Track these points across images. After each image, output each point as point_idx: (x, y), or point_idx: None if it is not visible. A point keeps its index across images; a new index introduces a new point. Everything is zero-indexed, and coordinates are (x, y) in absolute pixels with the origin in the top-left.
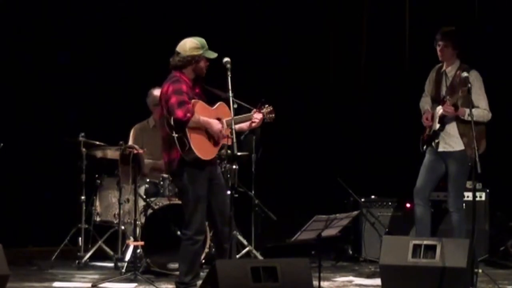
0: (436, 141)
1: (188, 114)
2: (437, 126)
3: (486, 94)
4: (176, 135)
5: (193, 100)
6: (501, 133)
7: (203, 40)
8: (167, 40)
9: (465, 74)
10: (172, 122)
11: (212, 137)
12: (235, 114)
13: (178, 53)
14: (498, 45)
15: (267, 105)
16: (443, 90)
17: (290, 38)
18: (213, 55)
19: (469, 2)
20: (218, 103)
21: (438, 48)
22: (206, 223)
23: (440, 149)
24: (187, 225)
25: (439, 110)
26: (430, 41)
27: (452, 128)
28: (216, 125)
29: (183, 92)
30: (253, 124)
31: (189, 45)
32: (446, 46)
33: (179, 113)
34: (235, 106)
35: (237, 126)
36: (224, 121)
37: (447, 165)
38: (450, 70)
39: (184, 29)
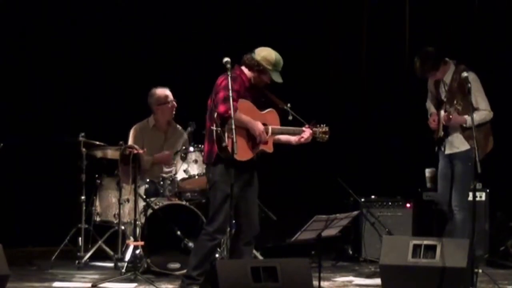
0: (443, 144)
1: (230, 111)
2: (442, 133)
3: (485, 94)
4: (216, 128)
5: (241, 99)
6: (501, 133)
7: (280, 61)
8: (167, 40)
9: (464, 74)
10: (215, 116)
11: (251, 139)
12: (288, 126)
13: (253, 53)
14: (498, 45)
15: (323, 125)
16: (443, 95)
17: (290, 38)
18: (278, 79)
19: (469, 2)
20: (269, 109)
21: (429, 78)
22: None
23: (447, 151)
24: (209, 221)
25: (442, 116)
26: (430, 41)
27: (456, 133)
28: (258, 126)
29: (233, 90)
30: (302, 140)
31: (265, 53)
32: (431, 74)
33: (222, 107)
34: (290, 118)
35: (285, 138)
36: (270, 127)
37: (453, 166)
38: (446, 77)
39: (184, 29)
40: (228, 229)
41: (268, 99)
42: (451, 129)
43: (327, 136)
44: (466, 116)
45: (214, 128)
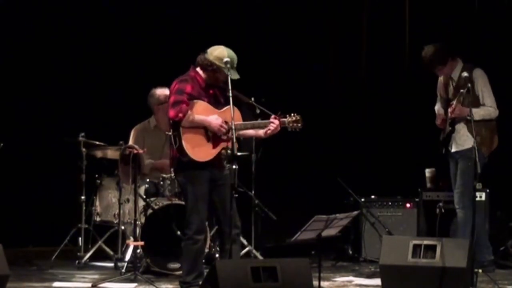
0: (450, 142)
1: (180, 114)
2: (449, 128)
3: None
4: (172, 133)
5: (194, 100)
6: (501, 133)
7: (234, 58)
8: (167, 40)
9: (464, 74)
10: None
11: (211, 138)
12: (255, 120)
13: (205, 53)
14: (499, 44)
15: (293, 114)
16: (450, 94)
17: (290, 38)
18: (234, 76)
19: (469, 2)
20: (226, 106)
21: (437, 72)
22: (206, 223)
23: (453, 149)
24: (187, 224)
25: (449, 110)
26: (430, 41)
27: (462, 128)
28: (214, 120)
29: (183, 93)
30: (269, 131)
31: (217, 53)
32: (438, 69)
33: (171, 112)
34: (257, 111)
35: (252, 132)
36: (229, 123)
37: (458, 164)
38: (454, 74)
39: (184, 29)
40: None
41: (227, 97)
42: (457, 124)
43: (299, 125)
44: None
45: (170, 133)
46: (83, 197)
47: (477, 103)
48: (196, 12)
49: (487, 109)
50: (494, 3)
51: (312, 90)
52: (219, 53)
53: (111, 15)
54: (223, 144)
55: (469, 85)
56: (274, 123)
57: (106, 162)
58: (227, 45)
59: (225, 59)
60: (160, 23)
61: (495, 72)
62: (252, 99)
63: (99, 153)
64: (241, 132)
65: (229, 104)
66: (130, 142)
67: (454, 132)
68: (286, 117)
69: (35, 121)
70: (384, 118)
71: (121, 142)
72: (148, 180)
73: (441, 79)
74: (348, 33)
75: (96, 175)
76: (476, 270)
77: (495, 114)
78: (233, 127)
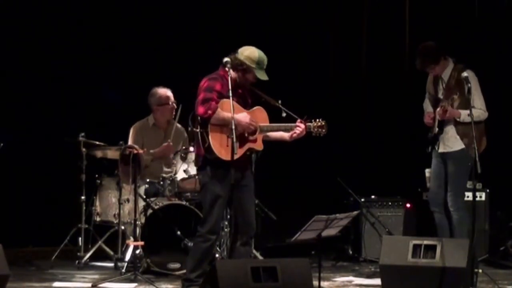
0: (437, 142)
1: (209, 112)
2: (436, 129)
3: (482, 93)
4: (199, 130)
5: (223, 99)
6: (501, 133)
7: (264, 59)
8: (167, 40)
9: (464, 74)
10: (198, 118)
11: (238, 137)
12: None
13: (236, 53)
14: (499, 44)
15: (319, 119)
16: (440, 93)
17: (290, 38)
18: (263, 76)
19: (469, 2)
20: (256, 107)
21: (429, 72)
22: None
23: (441, 150)
24: (202, 222)
25: (438, 111)
26: (430, 40)
27: (450, 129)
28: (243, 118)
29: (213, 90)
30: (294, 135)
31: (248, 52)
32: (431, 68)
33: (200, 109)
34: (284, 115)
35: (278, 135)
36: (258, 125)
37: (447, 165)
38: (445, 73)
39: (184, 29)
40: (228, 229)
41: (258, 97)
42: (445, 126)
43: (324, 131)
44: (460, 111)
45: (196, 130)
46: (83, 197)
47: (468, 104)
48: (196, 12)
49: (477, 111)
50: (494, 3)
51: (312, 90)
52: (250, 53)
53: (111, 15)
54: (249, 144)
55: (469, 85)
56: (300, 127)
57: (106, 162)
58: (226, 44)
59: (256, 60)
60: (159, 23)
61: (495, 72)
62: (279, 101)
63: (99, 153)
64: (267, 134)
65: (257, 105)
66: (129, 140)
67: (442, 133)
68: (311, 122)
69: (35, 121)
70: (384, 118)
71: (121, 142)
72: (148, 180)
73: (430, 77)
74: (348, 33)
75: (96, 175)
76: (476, 270)
77: (484, 117)
78: (233, 127)
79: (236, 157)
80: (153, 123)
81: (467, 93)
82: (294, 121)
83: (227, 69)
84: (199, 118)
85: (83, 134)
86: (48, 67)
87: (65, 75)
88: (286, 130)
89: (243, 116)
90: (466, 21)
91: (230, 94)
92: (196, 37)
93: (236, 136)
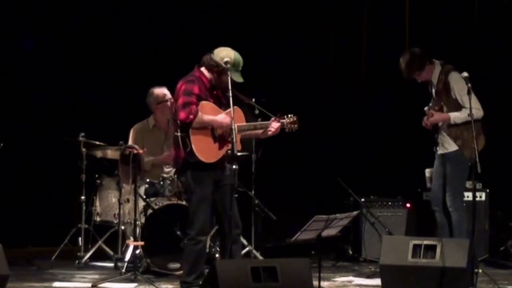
0: (437, 144)
1: (191, 116)
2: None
3: (482, 93)
4: (180, 134)
5: (202, 102)
6: (501, 133)
7: (239, 60)
8: (167, 40)
9: (465, 74)
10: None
11: (218, 139)
12: (255, 121)
13: (212, 53)
14: (499, 44)
15: (290, 115)
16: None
17: (290, 38)
18: (238, 79)
19: (469, 2)
20: (229, 107)
21: (417, 78)
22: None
23: (439, 151)
24: (190, 225)
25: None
26: (430, 41)
27: (445, 131)
28: (223, 118)
29: (192, 94)
30: (269, 133)
31: (224, 54)
32: (417, 74)
33: (182, 114)
34: (256, 112)
35: (253, 132)
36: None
37: (445, 166)
38: (434, 77)
39: (184, 29)
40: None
41: (234, 96)
42: (440, 128)
43: (296, 126)
44: (450, 114)
45: (178, 134)
46: (83, 197)
47: (458, 106)
48: (195, 12)
49: (466, 111)
50: (494, 3)
51: (312, 90)
52: (225, 54)
53: (111, 15)
54: (228, 145)
55: (469, 84)
56: (274, 125)
57: (106, 162)
58: (225, 44)
59: (232, 61)
60: (159, 23)
61: (495, 72)
62: (253, 99)
63: (99, 153)
64: (243, 133)
65: (229, 105)
66: (130, 142)
67: (439, 135)
68: (284, 119)
69: (35, 121)
70: (384, 118)
71: (121, 142)
72: (148, 180)
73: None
74: (348, 33)
75: (96, 175)
76: (476, 270)
77: (478, 115)
78: (233, 127)
79: (217, 158)
80: (153, 124)
81: (468, 93)
82: (268, 118)
83: (202, 69)
84: (179, 122)
85: (83, 134)
86: (48, 67)
87: (65, 75)
88: (261, 128)
89: (223, 117)
90: (466, 20)
91: (230, 94)
92: (195, 37)
93: (216, 137)
